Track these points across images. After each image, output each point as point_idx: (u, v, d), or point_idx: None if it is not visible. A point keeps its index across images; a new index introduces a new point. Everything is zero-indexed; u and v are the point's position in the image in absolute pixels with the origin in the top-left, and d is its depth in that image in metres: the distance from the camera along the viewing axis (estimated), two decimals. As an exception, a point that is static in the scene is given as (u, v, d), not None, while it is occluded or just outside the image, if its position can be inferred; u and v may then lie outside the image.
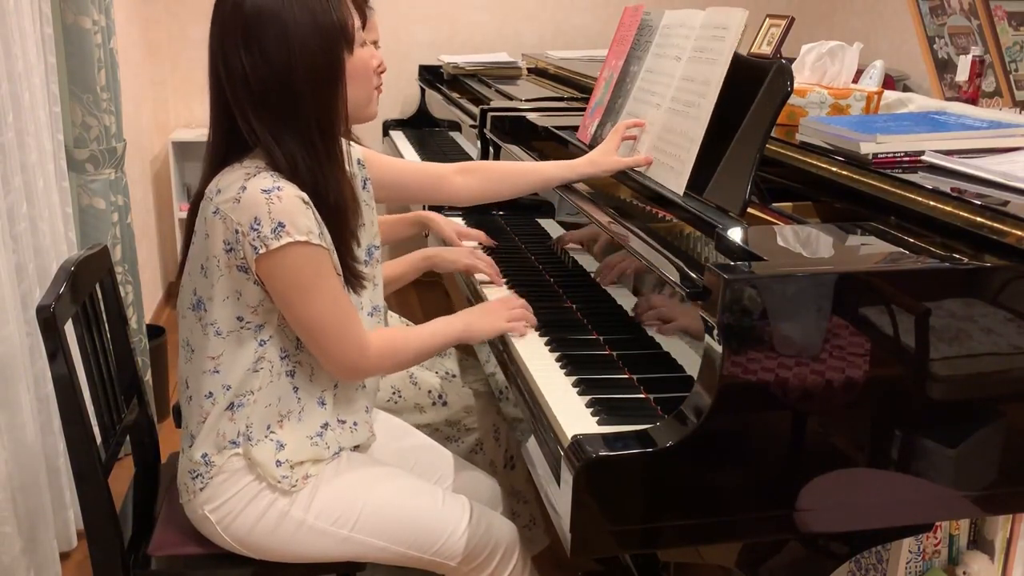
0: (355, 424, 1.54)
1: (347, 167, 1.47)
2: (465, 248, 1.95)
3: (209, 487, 1.44)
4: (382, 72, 2.05)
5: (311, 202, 1.34)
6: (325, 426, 1.48)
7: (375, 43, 1.99)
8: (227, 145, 1.39)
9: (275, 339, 1.41)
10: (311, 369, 1.45)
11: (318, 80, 1.33)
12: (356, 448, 1.56)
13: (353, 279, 1.43)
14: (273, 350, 1.41)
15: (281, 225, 1.30)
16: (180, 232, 3.80)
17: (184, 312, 1.45)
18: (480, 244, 2.06)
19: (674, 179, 1.53)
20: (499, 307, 1.61)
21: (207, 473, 1.43)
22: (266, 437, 1.43)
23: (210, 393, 1.41)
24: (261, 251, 1.31)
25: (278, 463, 1.42)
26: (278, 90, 1.32)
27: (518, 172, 1.79)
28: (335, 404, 1.50)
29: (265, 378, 1.41)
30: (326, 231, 1.36)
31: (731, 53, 1.47)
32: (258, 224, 1.30)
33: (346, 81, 1.37)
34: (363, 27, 1.41)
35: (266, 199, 1.30)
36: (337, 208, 1.38)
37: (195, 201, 1.43)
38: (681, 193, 1.50)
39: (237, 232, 1.32)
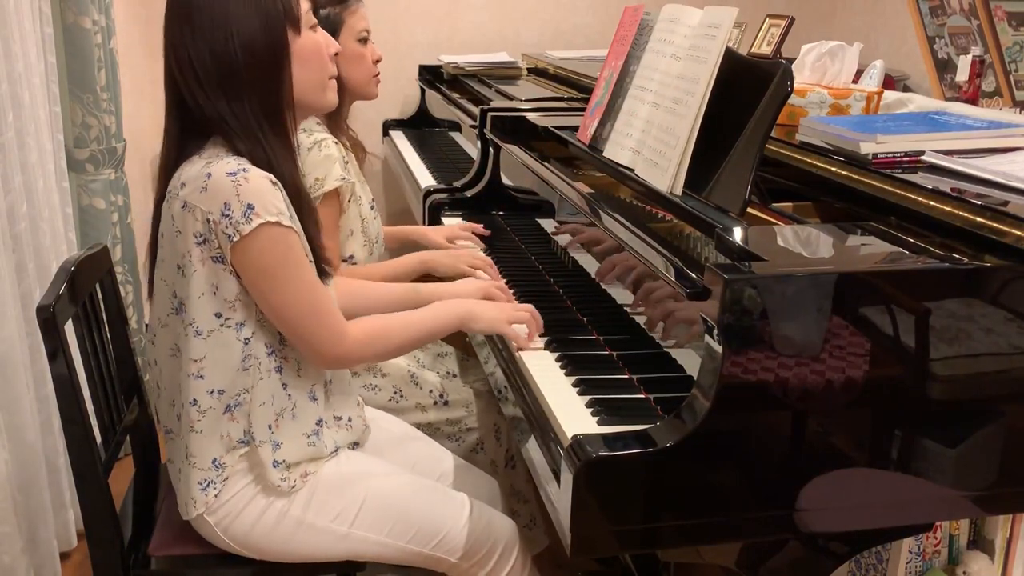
0: (349, 419, 1.54)
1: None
2: (462, 252, 1.95)
3: (222, 492, 1.42)
4: (378, 61, 2.06)
5: (279, 183, 1.34)
6: (320, 423, 1.47)
7: (367, 32, 1.98)
8: (182, 141, 1.38)
9: (258, 335, 1.39)
10: (297, 364, 1.44)
11: (259, 60, 1.34)
12: (355, 446, 1.56)
13: (321, 266, 1.42)
14: (259, 346, 1.40)
15: (251, 207, 1.29)
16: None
17: (155, 328, 1.43)
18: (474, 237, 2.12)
19: (659, 176, 1.52)
20: (508, 305, 1.61)
21: (219, 477, 1.42)
22: (269, 438, 1.42)
23: (195, 400, 1.38)
24: (236, 239, 1.30)
25: (275, 464, 1.42)
26: (220, 71, 1.33)
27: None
28: (328, 399, 1.50)
29: (255, 375, 1.40)
30: (295, 214, 1.36)
31: (721, 51, 1.47)
32: (228, 209, 1.29)
33: (291, 63, 1.38)
34: (313, 12, 1.42)
35: (233, 182, 1.29)
36: (297, 190, 1.38)
37: (156, 208, 1.42)
38: (667, 191, 1.50)
39: (209, 221, 1.30)
